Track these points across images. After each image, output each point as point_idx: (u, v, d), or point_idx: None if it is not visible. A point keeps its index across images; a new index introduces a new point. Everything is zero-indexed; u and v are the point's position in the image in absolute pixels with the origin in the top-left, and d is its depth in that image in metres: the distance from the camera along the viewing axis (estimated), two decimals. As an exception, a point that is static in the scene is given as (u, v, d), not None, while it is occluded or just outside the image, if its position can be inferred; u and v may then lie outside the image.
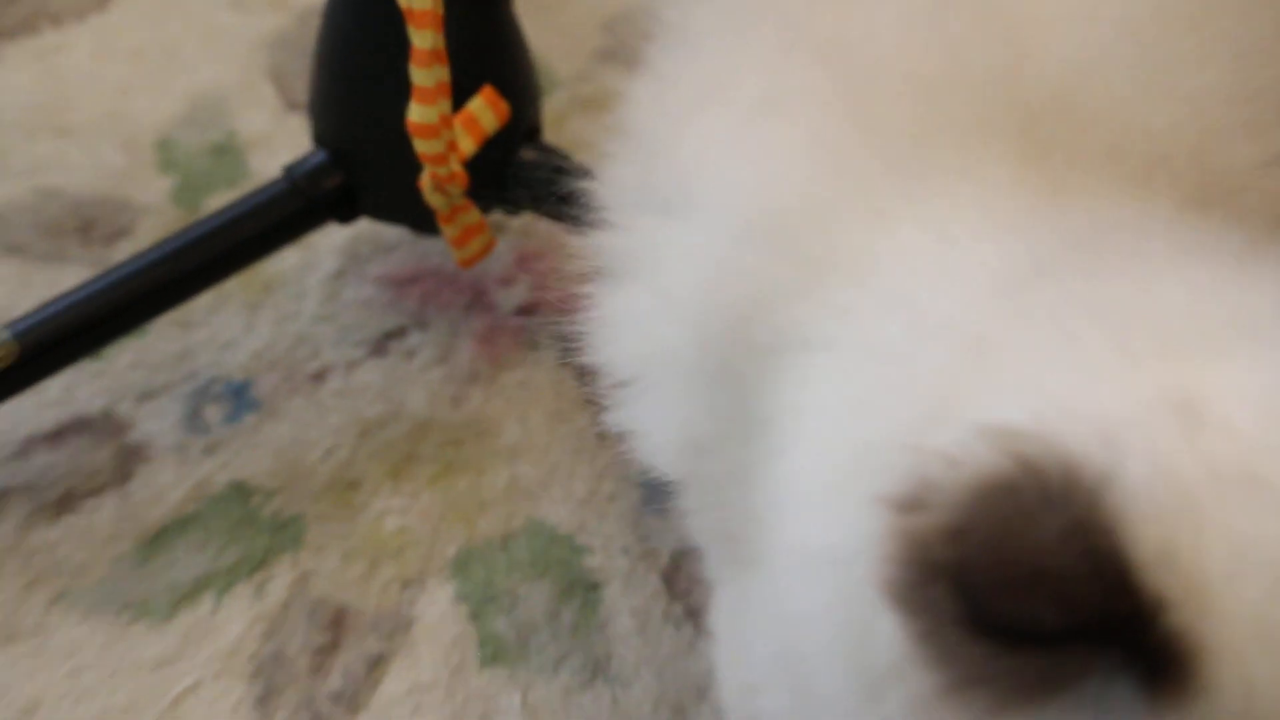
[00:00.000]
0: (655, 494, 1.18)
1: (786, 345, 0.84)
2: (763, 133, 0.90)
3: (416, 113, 1.14)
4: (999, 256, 0.82)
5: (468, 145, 1.18)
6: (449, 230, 1.21)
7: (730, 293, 0.86)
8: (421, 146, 1.16)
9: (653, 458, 0.95)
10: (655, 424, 0.93)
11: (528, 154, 1.23)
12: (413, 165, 1.17)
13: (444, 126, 1.15)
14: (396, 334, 1.31)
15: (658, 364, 0.91)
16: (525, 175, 1.23)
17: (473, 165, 1.18)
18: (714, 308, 0.87)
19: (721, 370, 0.87)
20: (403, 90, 1.14)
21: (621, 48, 1.50)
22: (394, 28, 1.12)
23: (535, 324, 1.31)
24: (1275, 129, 0.95)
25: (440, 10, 1.11)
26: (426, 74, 1.13)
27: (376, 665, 1.12)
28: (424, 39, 1.11)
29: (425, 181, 1.17)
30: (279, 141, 1.43)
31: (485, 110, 1.18)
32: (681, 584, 1.16)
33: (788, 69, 0.93)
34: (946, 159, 0.87)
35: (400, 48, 1.13)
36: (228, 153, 1.43)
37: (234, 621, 1.15)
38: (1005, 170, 0.87)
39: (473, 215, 1.22)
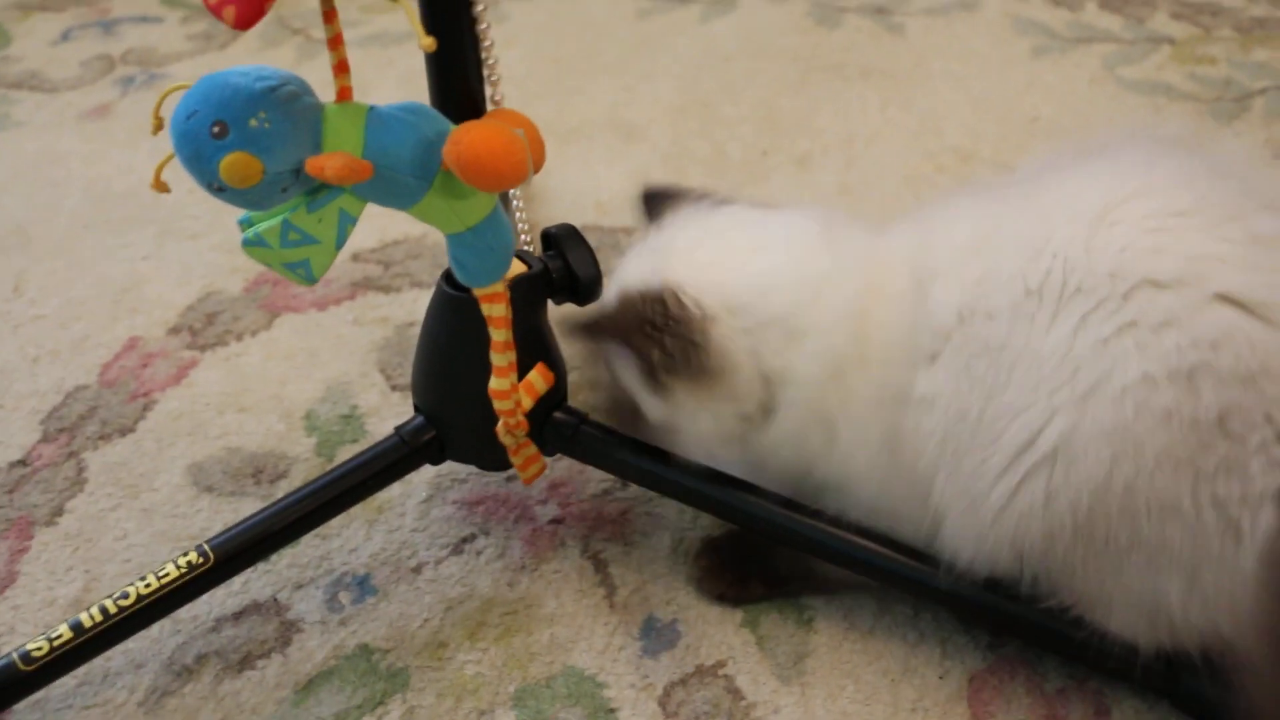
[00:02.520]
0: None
1: None
2: None
3: (495, 383, 1.14)
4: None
5: (527, 402, 1.16)
6: (516, 460, 1.20)
7: None
8: (499, 405, 1.15)
9: None
10: None
11: (558, 415, 1.21)
12: (483, 423, 1.16)
13: (513, 391, 1.15)
14: (469, 539, 1.28)
15: None
16: (557, 429, 1.21)
17: (528, 418, 1.17)
18: None
19: None
20: (477, 373, 1.14)
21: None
22: (473, 332, 1.12)
23: (562, 530, 1.28)
24: None
25: (510, 317, 1.11)
26: (502, 357, 1.13)
27: (462, 770, 1.08)
28: (500, 334, 1.12)
29: (500, 428, 1.16)
30: (386, 411, 1.43)
31: (538, 378, 1.17)
32: (671, 707, 1.12)
33: None
34: None
35: (476, 345, 1.12)
36: (351, 420, 1.42)
37: (362, 742, 1.11)
38: None
39: (532, 449, 1.21)
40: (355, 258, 1.67)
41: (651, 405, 1.14)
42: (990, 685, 1.13)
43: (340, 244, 1.02)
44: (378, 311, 1.58)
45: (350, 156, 0.96)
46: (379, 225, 1.71)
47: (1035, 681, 1.13)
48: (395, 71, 2.09)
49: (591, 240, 1.20)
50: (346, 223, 1.02)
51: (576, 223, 1.21)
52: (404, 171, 1.00)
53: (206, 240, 1.71)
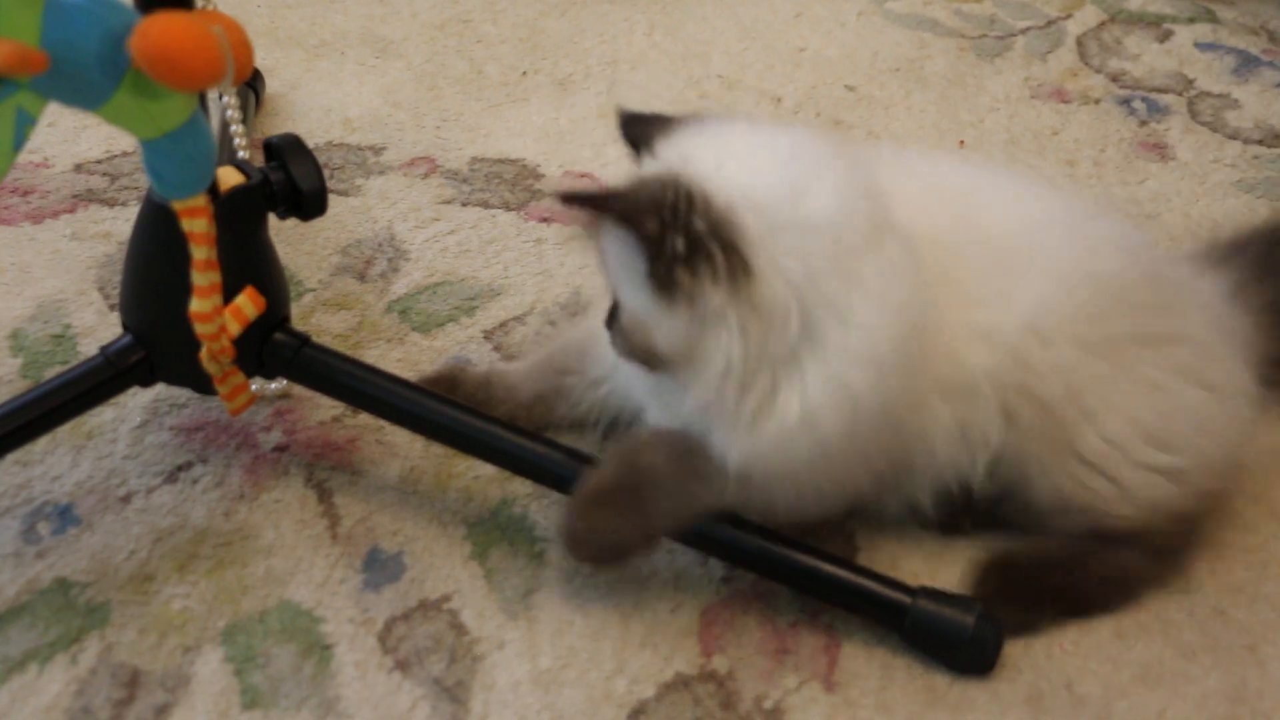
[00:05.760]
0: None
1: None
2: None
3: (195, 304, 1.07)
4: None
5: (234, 328, 1.10)
6: (222, 389, 1.14)
7: None
8: (200, 329, 1.08)
9: None
10: None
11: (280, 336, 1.15)
12: (195, 344, 1.09)
13: (216, 314, 1.08)
14: (185, 467, 1.22)
15: None
16: (278, 351, 1.15)
17: (239, 343, 1.11)
18: None
19: None
20: (187, 289, 1.07)
21: (352, 265, 1.44)
22: (180, 246, 1.05)
23: (286, 458, 1.23)
24: None
25: (213, 233, 1.05)
26: (203, 277, 1.06)
27: (162, 713, 1.03)
28: (201, 252, 1.05)
29: (203, 354, 1.09)
30: (103, 332, 1.34)
31: (247, 303, 1.11)
32: (391, 643, 1.08)
33: None
34: None
35: (185, 260, 1.05)
36: (64, 340, 1.33)
37: (53, 683, 1.04)
38: None
39: (239, 378, 1.14)
40: (79, 168, 1.57)
41: (660, 321, 0.99)
42: (722, 619, 1.12)
43: (18, 146, 0.94)
44: (100, 226, 1.48)
45: (20, 45, 0.88)
46: (105, 134, 1.60)
47: (768, 615, 1.12)
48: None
49: (338, 159, 1.14)
50: (25, 123, 0.94)
51: (323, 140, 1.15)
52: (88, 66, 0.92)
53: (-90, 143, 1.58)
